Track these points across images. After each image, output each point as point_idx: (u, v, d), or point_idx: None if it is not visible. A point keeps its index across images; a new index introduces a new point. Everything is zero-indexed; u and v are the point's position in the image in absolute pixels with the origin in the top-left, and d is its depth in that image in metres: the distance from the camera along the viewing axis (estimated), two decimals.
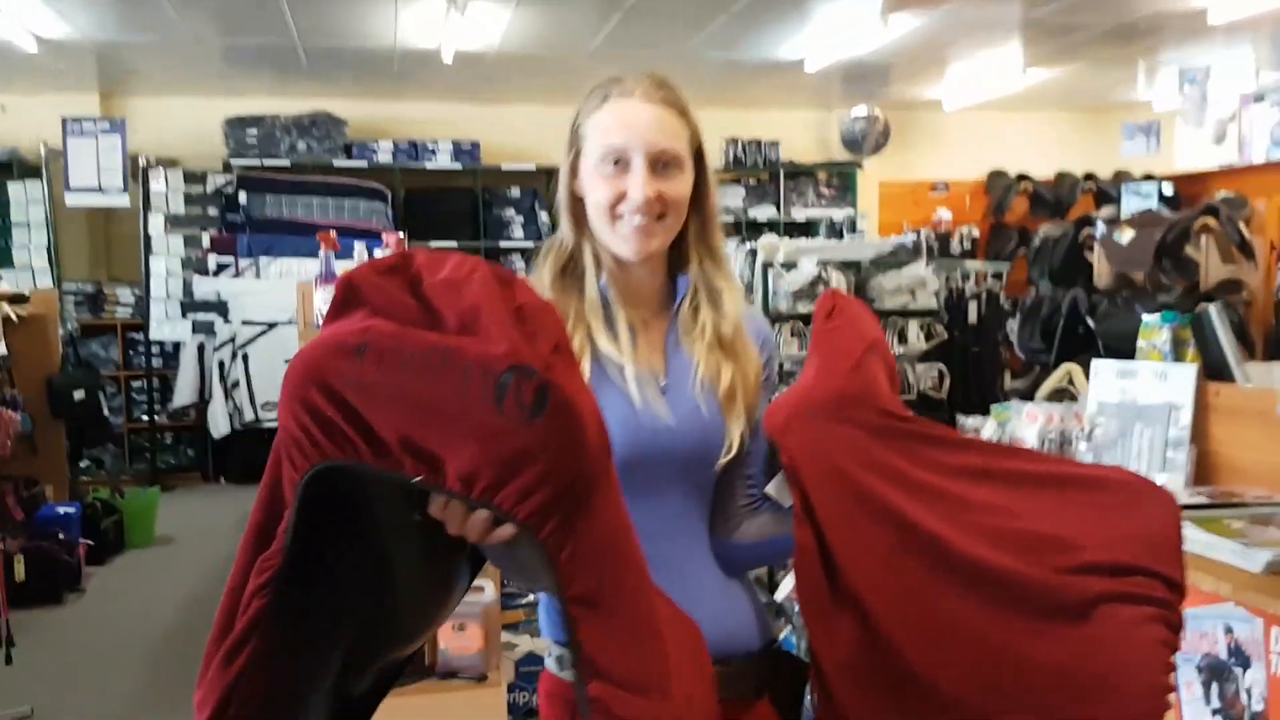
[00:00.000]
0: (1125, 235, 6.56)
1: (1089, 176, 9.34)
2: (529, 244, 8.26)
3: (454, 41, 6.28)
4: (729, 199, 8.39)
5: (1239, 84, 6.26)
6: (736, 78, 7.48)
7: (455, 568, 1.17)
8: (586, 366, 1.34)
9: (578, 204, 1.44)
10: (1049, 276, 7.10)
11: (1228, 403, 2.05)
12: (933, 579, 1.17)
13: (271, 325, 7.26)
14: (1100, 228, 6.81)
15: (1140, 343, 2.55)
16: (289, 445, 0.99)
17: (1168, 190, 8.41)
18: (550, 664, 1.40)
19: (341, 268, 3.24)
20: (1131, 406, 2.16)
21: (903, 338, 5.23)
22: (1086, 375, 4.39)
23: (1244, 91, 7.03)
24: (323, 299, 3.07)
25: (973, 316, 5.92)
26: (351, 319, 0.99)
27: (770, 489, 1.40)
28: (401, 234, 3.29)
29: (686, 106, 1.41)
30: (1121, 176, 9.47)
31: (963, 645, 1.16)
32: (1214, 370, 2.12)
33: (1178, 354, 2.52)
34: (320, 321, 3.11)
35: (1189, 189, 8.82)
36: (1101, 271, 6.90)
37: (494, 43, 6.45)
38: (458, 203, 8.32)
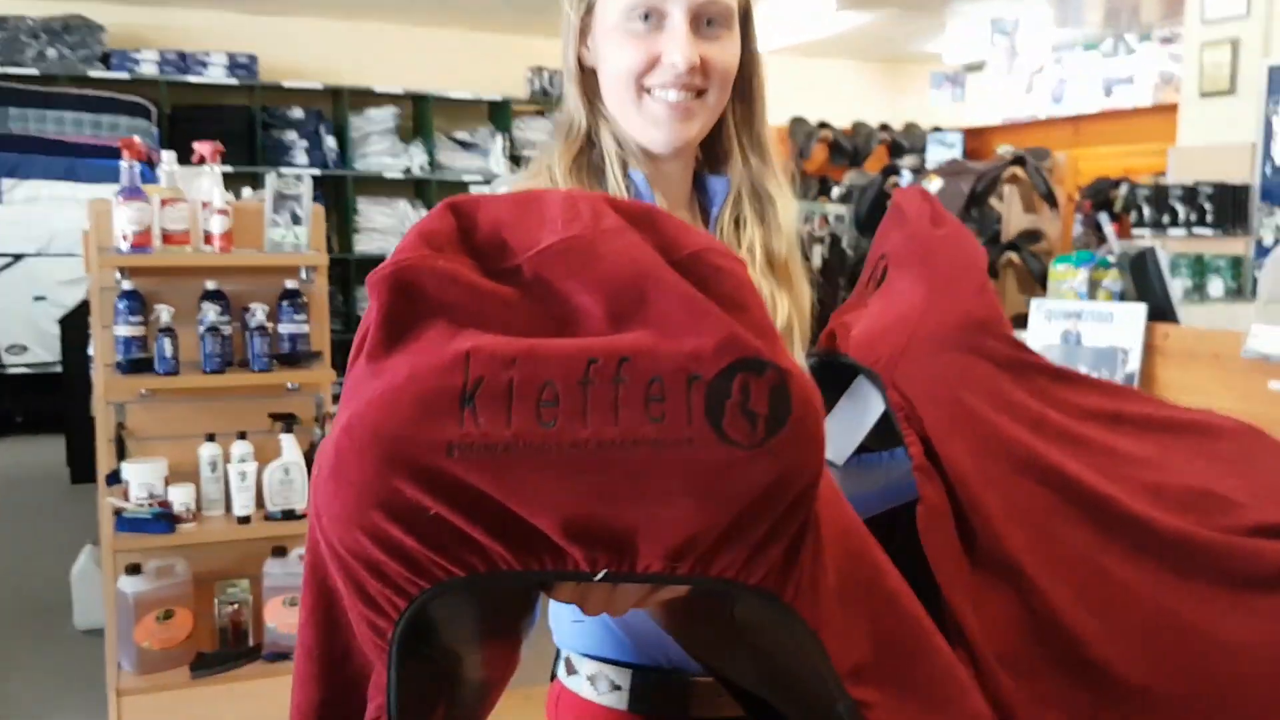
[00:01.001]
0: (933, 184, 6.68)
1: (884, 127, 9.56)
2: (314, 171, 7.62)
3: None
4: (534, 132, 8.02)
5: (1045, 37, 6.47)
6: (543, 2, 7.09)
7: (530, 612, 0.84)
8: None
9: (588, 78, 1.12)
10: (855, 225, 7.19)
11: (1179, 345, 1.97)
12: (1102, 544, 0.95)
13: (18, 257, 6.36)
14: (906, 176, 6.94)
15: (1050, 283, 2.48)
16: (362, 578, 0.62)
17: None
18: (579, 686, 1.07)
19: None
20: (1076, 349, 2.05)
21: None
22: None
23: (1064, 43, 7.28)
24: (127, 218, 2.55)
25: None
26: (423, 344, 0.61)
27: None
28: (215, 144, 2.77)
29: None
30: (912, 128, 9.78)
31: (1145, 623, 0.94)
32: (1155, 312, 2.03)
33: (1091, 296, 2.45)
34: (123, 243, 2.60)
35: (972, 143, 9.21)
36: None
37: None
38: (231, 122, 7.53)
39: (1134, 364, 1.98)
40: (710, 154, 1.16)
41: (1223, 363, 1.87)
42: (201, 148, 2.83)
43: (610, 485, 0.59)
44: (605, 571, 0.61)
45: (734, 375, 0.60)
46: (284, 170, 7.51)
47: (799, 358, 1.12)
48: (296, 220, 2.75)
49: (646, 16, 1.04)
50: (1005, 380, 1.01)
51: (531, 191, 0.69)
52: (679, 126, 1.06)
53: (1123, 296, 2.35)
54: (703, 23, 1.05)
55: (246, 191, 3.33)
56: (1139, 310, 2.00)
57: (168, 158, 2.80)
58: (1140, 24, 8.00)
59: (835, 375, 1.14)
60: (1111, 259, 2.51)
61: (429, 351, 0.60)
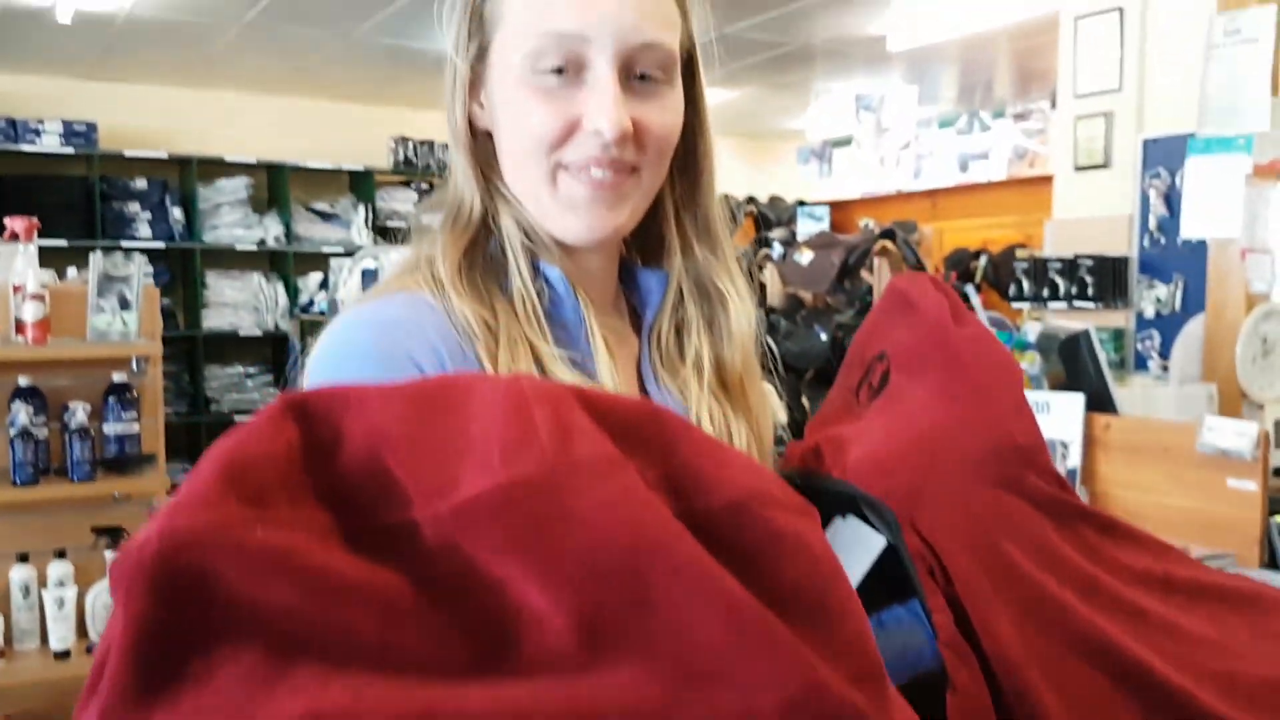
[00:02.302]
0: (805, 256, 6.69)
1: (750, 200, 9.61)
2: (158, 244, 7.13)
3: None
4: (399, 202, 7.71)
5: (909, 113, 6.57)
6: (405, 71, 6.85)
7: None
8: None
9: (482, 144, 0.87)
10: None
11: (1122, 438, 1.81)
12: None
13: None
14: (777, 248, 6.94)
15: None
16: None
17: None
18: None
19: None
20: None
21: None
22: (779, 395, 4.33)
23: (920, 120, 7.41)
24: None
25: None
26: (212, 697, 0.33)
27: None
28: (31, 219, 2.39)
29: None
30: (777, 201, 9.87)
31: None
32: (1092, 401, 1.89)
33: None
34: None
35: (836, 215, 9.35)
36: (774, 291, 7.05)
37: (125, 4, 5.41)
38: (68, 193, 7.02)
39: (1075, 459, 1.82)
40: (641, 240, 0.92)
41: (1173, 457, 1.73)
42: (14, 224, 2.46)
43: None
44: None
45: None
46: (125, 244, 7.01)
47: None
48: (125, 305, 2.41)
49: (560, 69, 0.79)
50: (1050, 528, 0.79)
51: (445, 380, 0.41)
52: (605, 214, 0.82)
53: (1042, 382, 2.21)
54: (635, 74, 0.81)
55: (71, 272, 2.95)
56: (1077, 400, 1.85)
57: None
58: (994, 101, 8.25)
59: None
60: (1028, 339, 2.38)
61: (221, 715, 0.32)
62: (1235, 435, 1.60)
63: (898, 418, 0.83)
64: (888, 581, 0.83)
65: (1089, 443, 1.84)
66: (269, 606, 0.33)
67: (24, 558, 2.46)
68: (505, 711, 0.32)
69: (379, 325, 0.78)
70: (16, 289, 2.36)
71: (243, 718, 0.31)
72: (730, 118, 8.77)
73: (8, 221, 2.45)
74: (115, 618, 0.34)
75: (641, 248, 0.94)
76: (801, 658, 0.34)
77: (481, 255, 0.85)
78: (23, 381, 2.40)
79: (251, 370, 7.54)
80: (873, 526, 0.84)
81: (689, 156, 0.90)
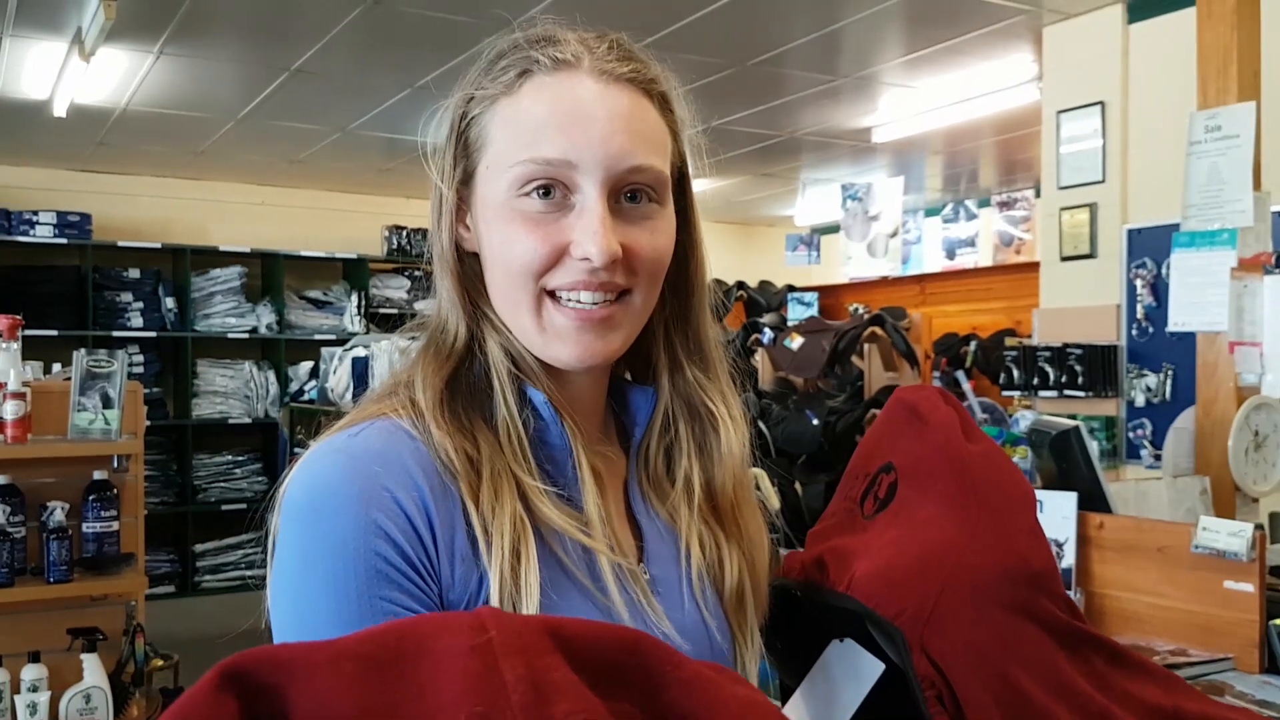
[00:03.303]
0: (795, 341, 6.72)
1: (740, 285, 9.68)
2: (150, 334, 7.15)
3: (71, 92, 5.26)
4: (392, 290, 7.75)
5: (896, 201, 6.65)
6: (399, 161, 6.94)
7: None
8: (526, 554, 0.75)
9: (469, 267, 0.84)
10: None
11: (1116, 537, 1.78)
12: None
13: None
14: (768, 333, 6.97)
15: None
16: None
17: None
18: None
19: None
20: None
21: None
22: (772, 480, 4.28)
23: (907, 207, 7.51)
24: None
25: None
26: None
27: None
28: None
29: (670, 92, 0.84)
30: (766, 286, 9.95)
31: None
32: (1084, 499, 1.86)
33: None
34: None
35: (825, 300, 9.42)
36: (765, 376, 7.07)
37: (122, 98, 5.49)
38: (61, 283, 7.07)
39: (1069, 558, 1.79)
40: (632, 357, 0.90)
41: (1168, 557, 1.70)
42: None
43: None
44: None
45: None
46: (117, 333, 7.02)
47: (757, 633, 0.86)
48: (108, 403, 2.38)
49: (547, 191, 0.77)
50: (1060, 656, 0.77)
51: (400, 635, 0.37)
52: (594, 341, 0.79)
53: (1034, 477, 2.19)
54: (624, 195, 0.79)
55: (57, 367, 2.93)
56: (1070, 499, 1.82)
57: None
58: (979, 189, 8.37)
59: (795, 617, 0.89)
60: (1020, 432, 2.37)
61: None
62: (1230, 536, 1.58)
63: (907, 533, 0.81)
64: (890, 701, 0.80)
65: (1082, 542, 1.81)
66: None
67: None
68: None
69: (355, 459, 0.74)
70: None
71: None
72: (720, 205, 8.88)
73: None
74: None
75: (632, 365, 0.91)
76: None
77: (464, 382, 0.82)
78: (1, 480, 2.36)
79: (240, 458, 7.50)
80: (877, 645, 0.81)
81: (681, 275, 0.87)
